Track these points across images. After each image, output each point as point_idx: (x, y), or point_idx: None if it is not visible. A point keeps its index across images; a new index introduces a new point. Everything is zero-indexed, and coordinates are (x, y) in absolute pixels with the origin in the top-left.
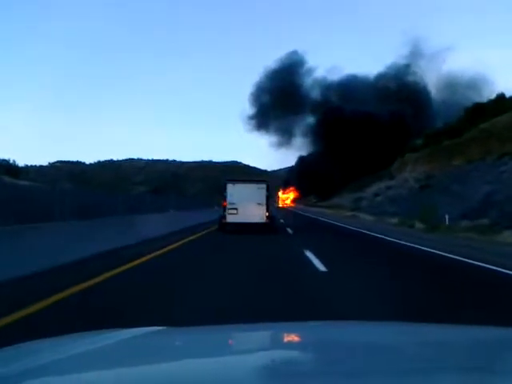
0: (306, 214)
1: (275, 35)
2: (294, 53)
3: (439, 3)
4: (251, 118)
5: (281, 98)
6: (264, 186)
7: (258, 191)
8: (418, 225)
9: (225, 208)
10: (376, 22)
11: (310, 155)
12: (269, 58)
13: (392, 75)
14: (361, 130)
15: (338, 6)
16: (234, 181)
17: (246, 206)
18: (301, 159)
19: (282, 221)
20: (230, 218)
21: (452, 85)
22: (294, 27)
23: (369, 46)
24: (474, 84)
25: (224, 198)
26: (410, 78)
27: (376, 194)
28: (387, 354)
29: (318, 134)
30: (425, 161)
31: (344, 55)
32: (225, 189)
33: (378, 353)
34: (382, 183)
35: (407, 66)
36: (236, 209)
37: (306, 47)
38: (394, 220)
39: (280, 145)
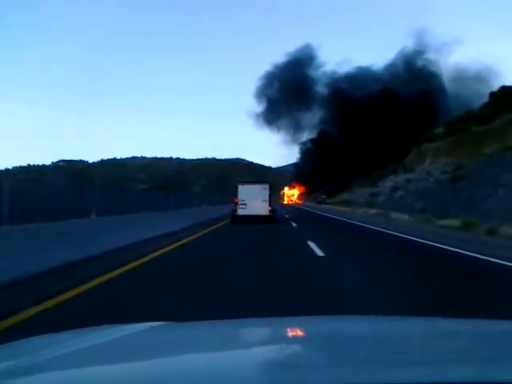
0: (323, 214)
1: (278, 32)
2: (307, 46)
3: None
4: (260, 113)
5: (291, 92)
6: (267, 186)
7: (262, 190)
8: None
9: (237, 204)
10: (384, 17)
11: (315, 149)
12: (272, 56)
13: (403, 62)
14: (373, 116)
15: (347, 2)
16: (244, 182)
17: (253, 202)
18: (306, 152)
19: (294, 224)
20: (240, 212)
21: (460, 77)
22: (298, 24)
23: (376, 42)
24: (481, 76)
25: (236, 196)
26: (422, 64)
27: (395, 189)
28: (391, 347)
29: (326, 123)
30: (448, 150)
31: (352, 51)
32: (236, 189)
33: (383, 345)
34: (398, 176)
35: (419, 52)
36: (245, 204)
37: (314, 43)
38: (447, 221)
39: (288, 141)
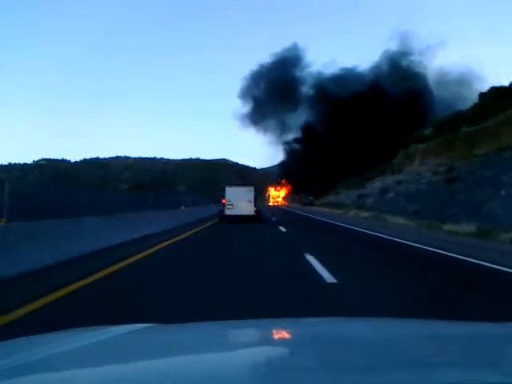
0: (312, 216)
1: (264, 34)
2: (294, 46)
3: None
4: (245, 113)
5: (277, 92)
6: (252, 188)
7: (248, 192)
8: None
9: (224, 204)
10: (372, 19)
11: (300, 149)
12: (258, 57)
13: (388, 63)
14: (359, 116)
15: (333, 3)
16: (231, 184)
17: (240, 202)
18: (291, 152)
19: (283, 229)
20: (227, 212)
21: (443, 81)
22: (284, 26)
23: (364, 43)
24: (463, 80)
25: (223, 197)
26: (407, 64)
27: (384, 190)
28: (384, 349)
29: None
30: (437, 151)
31: (340, 53)
32: (224, 190)
33: (375, 348)
34: (386, 178)
35: (403, 53)
36: (232, 205)
37: (301, 43)
38: (455, 227)
39: (274, 141)
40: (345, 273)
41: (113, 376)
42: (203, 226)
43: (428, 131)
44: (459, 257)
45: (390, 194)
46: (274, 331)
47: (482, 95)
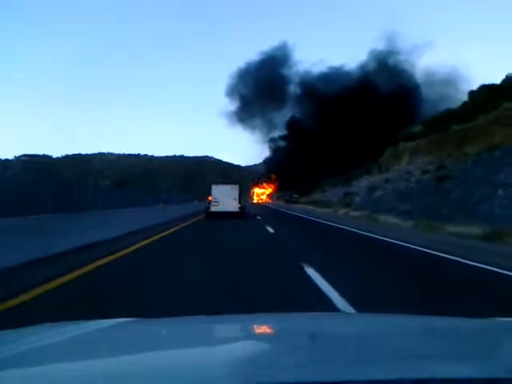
0: (300, 215)
1: (251, 31)
2: (282, 45)
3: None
4: (232, 111)
5: (264, 90)
6: (237, 186)
7: (233, 190)
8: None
9: (210, 201)
10: (358, 20)
11: (286, 146)
12: (244, 55)
13: (375, 61)
14: (346, 114)
15: (321, 4)
16: (217, 183)
17: (225, 200)
18: (276, 149)
19: (271, 230)
20: (213, 208)
21: (429, 81)
22: (272, 24)
23: (350, 45)
24: (448, 80)
25: (209, 194)
26: (394, 62)
27: (372, 188)
28: (374, 344)
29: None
30: (427, 149)
31: (326, 54)
32: (210, 188)
33: (365, 342)
34: (373, 176)
35: (390, 52)
36: (218, 202)
37: (289, 42)
38: (459, 228)
39: (261, 140)
40: (371, 302)
41: (91, 370)
42: (175, 229)
43: (417, 129)
44: (495, 270)
45: (378, 193)
46: (255, 327)
47: (471, 93)
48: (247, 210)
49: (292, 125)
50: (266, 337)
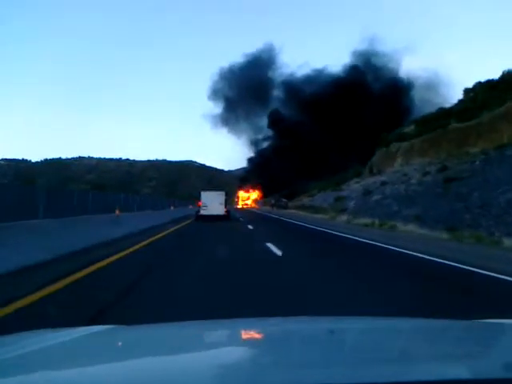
0: (296, 223)
1: (235, 34)
2: (267, 47)
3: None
4: (217, 115)
5: (249, 93)
6: (223, 192)
7: (220, 196)
8: None
9: (200, 206)
10: (342, 24)
11: (270, 146)
12: (226, 58)
13: (359, 61)
14: (333, 114)
15: (305, 8)
16: (206, 190)
17: (213, 204)
18: (259, 152)
19: (274, 249)
20: (202, 212)
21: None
22: (256, 26)
23: (334, 49)
24: (430, 84)
25: (199, 200)
26: (378, 63)
27: (367, 192)
28: (366, 346)
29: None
30: (422, 150)
31: (310, 57)
32: (199, 195)
33: (352, 345)
34: (365, 179)
35: (374, 53)
36: (206, 206)
37: (275, 45)
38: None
39: (245, 143)
40: None
41: (77, 377)
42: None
43: (409, 129)
44: None
45: (375, 197)
46: (239, 331)
47: (467, 90)
48: (232, 214)
49: (274, 116)
50: (258, 341)
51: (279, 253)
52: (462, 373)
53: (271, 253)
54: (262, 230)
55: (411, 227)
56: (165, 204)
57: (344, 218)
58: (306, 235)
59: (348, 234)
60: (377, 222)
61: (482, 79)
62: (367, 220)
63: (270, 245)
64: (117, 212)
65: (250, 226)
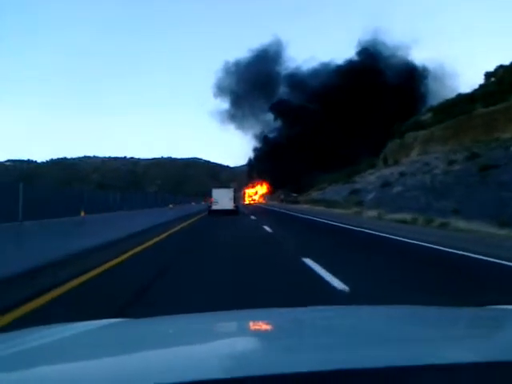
0: (317, 220)
1: (237, 31)
2: (274, 42)
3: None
4: (223, 111)
5: (256, 88)
6: (232, 189)
7: (229, 192)
8: None
9: (211, 202)
10: (347, 18)
11: (277, 137)
12: (231, 55)
13: (365, 52)
14: (341, 108)
15: (311, 2)
16: (216, 187)
17: (223, 200)
18: (264, 140)
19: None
20: (214, 207)
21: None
22: (257, 23)
23: (340, 44)
24: (437, 77)
25: (210, 196)
26: (389, 53)
27: (385, 184)
28: (371, 333)
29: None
30: (443, 138)
31: (316, 52)
32: (211, 192)
33: (354, 332)
34: (381, 170)
35: (382, 43)
36: (217, 202)
37: (283, 39)
38: None
39: (251, 138)
40: None
41: (85, 371)
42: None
43: (426, 117)
44: None
45: (396, 188)
46: (245, 323)
47: (488, 74)
48: (240, 209)
49: (280, 106)
50: (261, 330)
51: (339, 285)
52: (465, 356)
53: (322, 281)
54: (282, 233)
55: (462, 224)
56: (157, 203)
57: (372, 213)
58: (351, 242)
59: (401, 236)
60: (420, 218)
61: (483, 71)
62: (402, 215)
63: (309, 262)
64: (82, 213)
65: (268, 228)
